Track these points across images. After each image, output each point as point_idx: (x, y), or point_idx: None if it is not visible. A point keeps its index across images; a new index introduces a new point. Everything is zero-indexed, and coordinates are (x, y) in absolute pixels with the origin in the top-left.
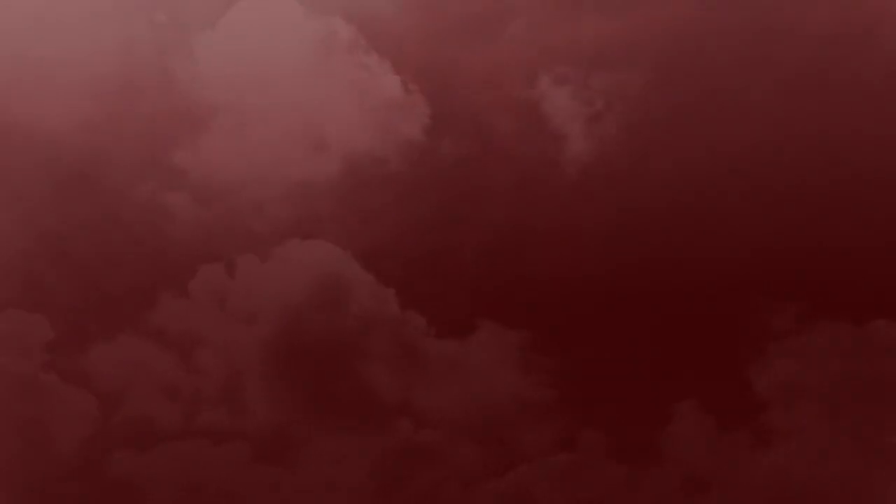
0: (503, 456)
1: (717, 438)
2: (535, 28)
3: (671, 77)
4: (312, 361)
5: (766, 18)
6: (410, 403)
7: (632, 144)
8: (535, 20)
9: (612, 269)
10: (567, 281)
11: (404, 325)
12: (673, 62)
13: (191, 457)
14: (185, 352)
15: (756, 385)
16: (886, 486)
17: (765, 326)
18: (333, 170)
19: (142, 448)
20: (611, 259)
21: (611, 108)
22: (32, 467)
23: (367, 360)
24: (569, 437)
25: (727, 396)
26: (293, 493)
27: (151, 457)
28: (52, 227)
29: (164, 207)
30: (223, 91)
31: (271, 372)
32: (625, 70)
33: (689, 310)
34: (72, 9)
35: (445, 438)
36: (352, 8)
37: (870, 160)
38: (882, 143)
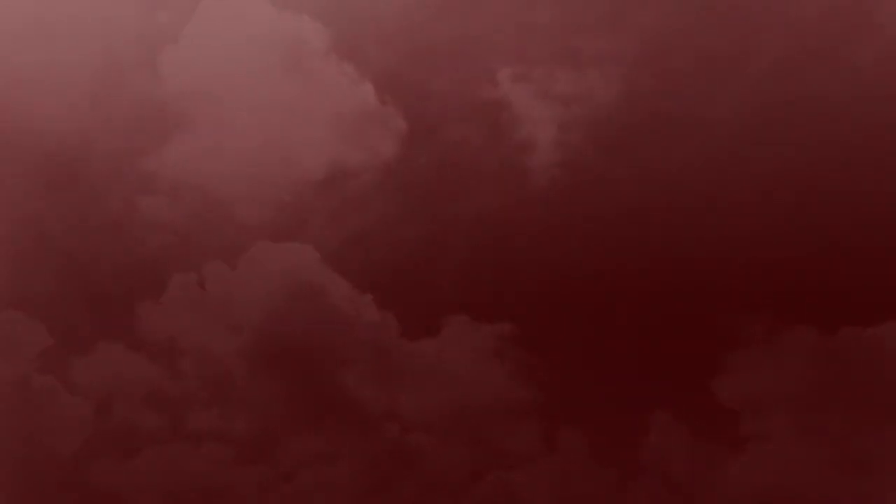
0: (486, 458)
1: (692, 446)
2: (512, 35)
3: (647, 79)
4: (294, 365)
5: (750, 14)
6: (393, 406)
7: (603, 151)
8: (514, 27)
9: (586, 277)
10: (545, 285)
11: (383, 327)
12: (650, 64)
13: (176, 461)
14: (167, 357)
15: (728, 394)
16: (860, 491)
17: (735, 335)
18: (308, 175)
19: (128, 454)
20: (584, 267)
21: (583, 114)
22: (22, 474)
23: (348, 362)
24: (549, 440)
25: (700, 404)
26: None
27: (138, 462)
28: (34, 232)
29: (143, 212)
30: (197, 96)
31: (254, 376)
32: (598, 74)
33: (661, 318)
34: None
35: (429, 440)
36: (325, 14)
37: (844, 166)
38: (857, 148)
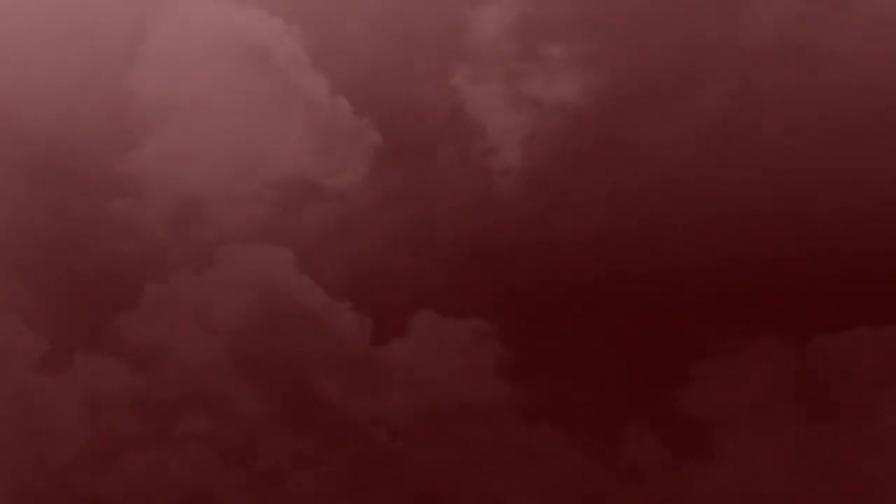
0: (467, 460)
1: (664, 455)
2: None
3: (608, 88)
4: (274, 368)
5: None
6: (374, 409)
7: (571, 161)
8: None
9: (554, 289)
10: (518, 286)
11: (362, 329)
12: (610, 72)
13: (162, 467)
14: (149, 364)
15: (700, 404)
16: (832, 499)
17: (705, 345)
18: (281, 177)
19: (116, 461)
20: (552, 278)
21: (548, 125)
22: (12, 482)
23: (327, 366)
24: (528, 443)
25: (671, 414)
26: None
27: (124, 469)
28: (16, 237)
29: (116, 216)
30: (168, 99)
31: (236, 380)
32: (563, 85)
33: (629, 330)
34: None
35: (412, 443)
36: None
37: (807, 175)
38: (816, 164)
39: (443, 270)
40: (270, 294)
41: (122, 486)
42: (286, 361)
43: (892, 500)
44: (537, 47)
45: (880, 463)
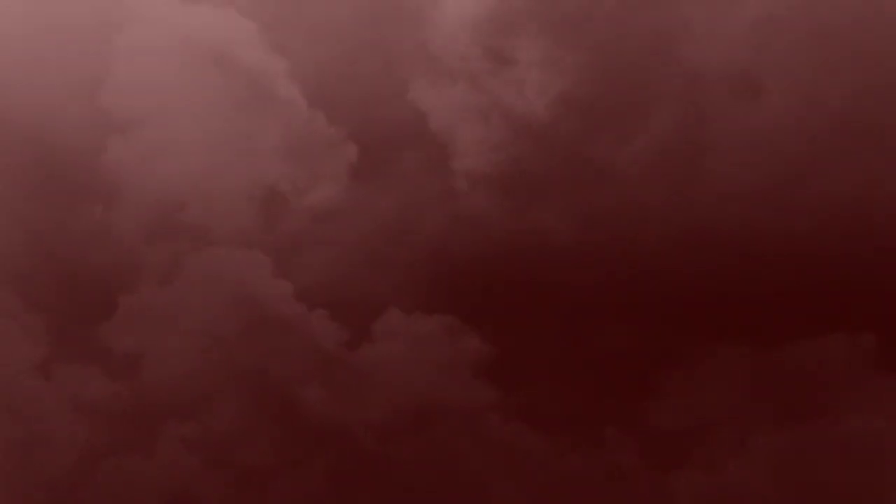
0: (449, 459)
1: (639, 461)
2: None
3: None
4: (253, 374)
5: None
6: (356, 412)
7: (534, 170)
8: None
9: (535, 293)
10: (499, 295)
11: (340, 333)
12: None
13: (145, 474)
14: (130, 372)
15: (671, 410)
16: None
17: (679, 352)
18: (255, 183)
19: (100, 468)
20: (532, 284)
21: (514, 135)
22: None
23: (307, 370)
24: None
25: (644, 425)
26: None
27: (110, 475)
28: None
29: (91, 221)
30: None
31: (217, 386)
32: (535, 98)
33: (605, 334)
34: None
35: (397, 445)
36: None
37: (764, 187)
38: (776, 172)
39: (419, 274)
40: (248, 299)
41: (106, 492)
42: (266, 365)
43: (864, 501)
44: (505, 55)
45: (849, 465)
